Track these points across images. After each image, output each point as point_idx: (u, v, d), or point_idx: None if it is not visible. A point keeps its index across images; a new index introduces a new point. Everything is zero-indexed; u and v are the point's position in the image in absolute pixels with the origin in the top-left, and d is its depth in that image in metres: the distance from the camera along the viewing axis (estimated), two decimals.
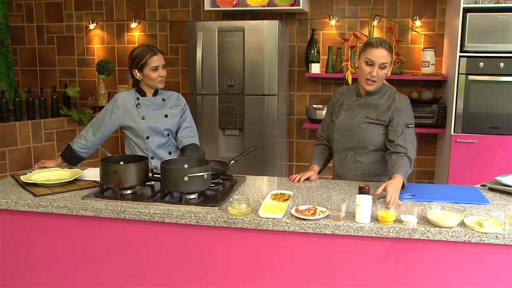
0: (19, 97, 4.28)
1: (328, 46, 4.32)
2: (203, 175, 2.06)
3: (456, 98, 3.74)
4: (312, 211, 1.92)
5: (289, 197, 2.10)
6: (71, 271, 2.16)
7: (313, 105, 4.38)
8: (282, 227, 1.88)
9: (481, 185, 2.42)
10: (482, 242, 1.77)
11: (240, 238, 1.95)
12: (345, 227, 1.84)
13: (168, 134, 2.77)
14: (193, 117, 2.90)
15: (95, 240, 2.10)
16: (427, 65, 4.13)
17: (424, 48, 4.22)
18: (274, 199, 2.07)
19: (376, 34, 4.27)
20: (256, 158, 3.68)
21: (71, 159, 2.72)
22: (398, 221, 1.86)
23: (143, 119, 2.71)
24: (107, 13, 4.86)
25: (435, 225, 1.81)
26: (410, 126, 2.40)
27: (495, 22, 3.59)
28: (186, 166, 2.17)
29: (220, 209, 2.01)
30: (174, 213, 1.97)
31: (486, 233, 1.76)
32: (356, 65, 3.48)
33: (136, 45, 4.59)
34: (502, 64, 3.62)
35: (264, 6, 4.23)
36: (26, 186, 2.33)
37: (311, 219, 1.87)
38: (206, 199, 2.11)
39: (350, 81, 3.84)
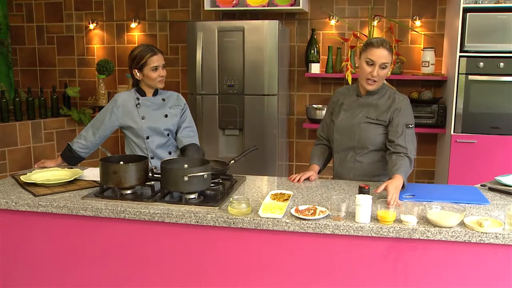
0: (19, 97, 4.28)
1: (328, 46, 4.32)
2: (203, 175, 2.06)
3: (456, 98, 3.74)
4: (312, 211, 1.92)
5: (289, 197, 2.10)
6: (71, 271, 2.16)
7: (313, 105, 4.38)
8: (282, 227, 1.88)
9: (481, 185, 2.42)
10: (482, 242, 1.77)
11: (240, 238, 1.95)
12: (345, 227, 1.84)
13: (168, 134, 2.77)
14: (193, 117, 2.90)
15: (95, 240, 2.10)
16: (427, 65, 4.13)
17: (424, 48, 4.22)
18: (274, 199, 2.07)
19: (376, 34, 4.26)
20: (256, 158, 3.68)
21: (71, 159, 2.73)
22: (398, 221, 1.86)
23: (143, 119, 2.71)
24: (107, 13, 4.86)
25: (435, 225, 1.81)
26: (410, 126, 2.40)
27: (495, 22, 3.59)
28: (186, 166, 2.17)
29: (220, 209, 2.01)
30: (174, 213, 1.97)
31: (486, 233, 1.76)
32: (356, 65, 3.48)
33: (136, 45, 4.58)
34: (502, 64, 3.62)
35: (264, 6, 4.23)
36: (26, 186, 2.33)
37: (311, 219, 1.87)
38: (206, 199, 2.11)
39: (350, 81, 3.84)
